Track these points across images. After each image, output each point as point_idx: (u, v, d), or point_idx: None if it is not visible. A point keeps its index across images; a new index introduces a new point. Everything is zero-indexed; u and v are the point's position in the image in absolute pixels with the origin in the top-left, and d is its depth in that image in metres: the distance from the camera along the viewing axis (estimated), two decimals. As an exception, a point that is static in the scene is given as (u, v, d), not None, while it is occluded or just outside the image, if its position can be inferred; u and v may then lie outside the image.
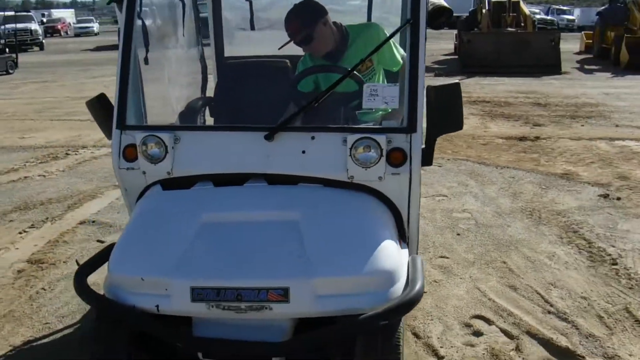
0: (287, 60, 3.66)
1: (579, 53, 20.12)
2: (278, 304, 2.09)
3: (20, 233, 4.69)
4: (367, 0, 3.91)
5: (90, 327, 2.36)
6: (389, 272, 2.16)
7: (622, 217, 4.76)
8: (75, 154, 7.28)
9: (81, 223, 4.86)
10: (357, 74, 2.82)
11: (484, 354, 2.93)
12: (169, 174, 2.57)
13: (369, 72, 3.07)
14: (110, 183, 5.93)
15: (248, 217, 2.37)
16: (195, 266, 2.19)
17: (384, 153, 2.38)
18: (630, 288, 3.58)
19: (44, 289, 3.73)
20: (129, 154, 2.59)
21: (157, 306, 2.15)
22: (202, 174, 2.58)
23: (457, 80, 2.53)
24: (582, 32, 21.64)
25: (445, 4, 2.71)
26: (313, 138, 2.47)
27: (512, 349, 2.97)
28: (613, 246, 4.20)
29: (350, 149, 2.39)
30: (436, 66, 16.92)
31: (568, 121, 8.91)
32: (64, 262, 4.12)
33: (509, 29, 16.64)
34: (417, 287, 2.12)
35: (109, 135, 2.82)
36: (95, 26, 43.12)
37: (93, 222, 4.88)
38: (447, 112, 2.45)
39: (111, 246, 2.48)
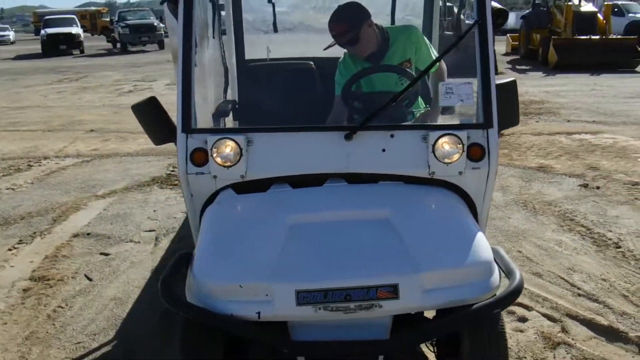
0: (312, 63, 3.65)
1: (507, 54, 21.06)
2: (388, 301, 2.07)
3: (10, 250, 4.38)
4: (391, 3, 3.96)
5: (179, 339, 2.24)
6: (488, 263, 2.20)
7: (608, 204, 5.06)
8: (39, 165, 6.87)
9: (75, 236, 4.60)
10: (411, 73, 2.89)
11: (535, 337, 3.04)
12: (243, 178, 2.50)
13: None
14: (90, 193, 5.66)
15: (337, 216, 2.34)
16: (297, 269, 2.13)
17: (465, 148, 2.44)
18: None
19: (61, 307, 3.51)
20: (197, 158, 2.48)
21: (259, 313, 2.07)
22: (278, 176, 2.53)
23: (513, 78, 2.64)
24: (508, 35, 22.65)
25: (500, 6, 2.80)
26: (392, 136, 2.48)
27: (559, 331, 3.09)
28: (610, 231, 4.45)
29: (433, 145, 2.43)
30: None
31: (522, 118, 9.30)
32: (71, 277, 3.89)
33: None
34: (518, 275, 2.18)
35: (157, 140, 2.71)
36: (11, 34, 40.83)
37: (88, 234, 4.63)
38: (506, 109, 2.55)
39: (186, 255, 2.39)
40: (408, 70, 2.96)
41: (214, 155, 2.45)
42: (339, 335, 2.16)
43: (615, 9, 20.65)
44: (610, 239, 4.29)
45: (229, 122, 3.62)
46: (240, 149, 2.44)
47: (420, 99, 3.14)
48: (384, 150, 2.48)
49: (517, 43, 20.68)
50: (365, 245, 2.21)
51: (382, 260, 2.15)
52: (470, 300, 2.11)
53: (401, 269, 2.11)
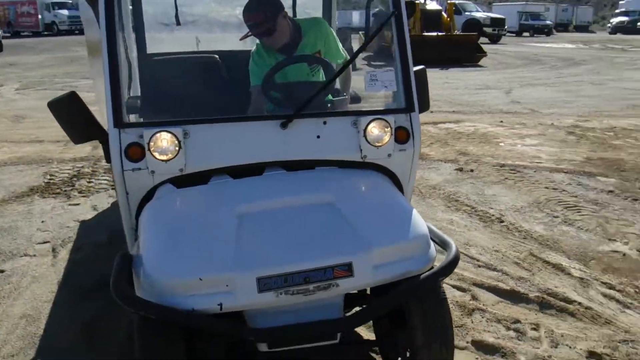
0: (216, 55, 3.65)
1: None
2: (344, 280, 2.19)
3: None
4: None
5: (139, 341, 2.16)
6: (426, 236, 2.41)
7: (484, 185, 5.63)
8: None
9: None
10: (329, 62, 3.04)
11: (452, 307, 3.35)
12: (182, 171, 2.47)
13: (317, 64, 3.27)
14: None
15: (284, 203, 2.40)
16: (254, 256, 2.17)
17: (392, 132, 2.64)
18: (524, 238, 4.34)
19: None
20: (132, 153, 2.41)
21: (221, 304, 2.09)
22: (217, 167, 2.53)
23: (422, 66, 2.90)
24: (360, 32, 23.67)
25: None
26: (325, 123, 2.60)
27: (470, 299, 3.44)
28: (492, 208, 4.98)
29: (364, 130, 2.60)
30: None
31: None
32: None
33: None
34: (454, 246, 2.42)
35: (78, 138, 2.59)
36: None
37: (-29, 252, 4.21)
38: (419, 95, 2.79)
39: (127, 255, 2.32)
40: (328, 61, 3.10)
41: (152, 149, 2.41)
42: (297, 319, 2.24)
43: (454, 8, 22.60)
44: (493, 215, 4.81)
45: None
46: (179, 142, 2.42)
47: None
48: (318, 136, 2.59)
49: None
50: (315, 229, 2.31)
51: (334, 241, 2.26)
52: (415, 272, 2.31)
53: (353, 248, 2.23)
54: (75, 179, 5.95)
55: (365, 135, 2.61)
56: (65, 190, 5.58)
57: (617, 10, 48.55)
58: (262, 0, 3.06)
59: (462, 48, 16.90)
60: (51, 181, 5.88)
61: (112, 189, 5.59)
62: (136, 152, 2.41)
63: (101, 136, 2.54)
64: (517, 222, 4.64)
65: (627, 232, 4.47)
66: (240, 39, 3.18)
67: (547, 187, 5.55)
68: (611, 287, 3.62)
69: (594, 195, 5.34)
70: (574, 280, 3.70)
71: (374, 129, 2.62)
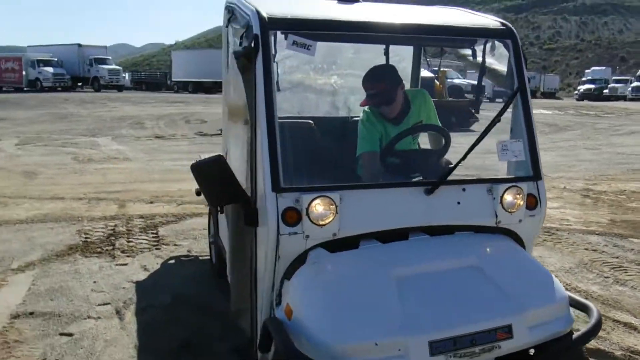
0: (312, 122, 3.75)
1: None
2: (505, 342, 2.25)
3: (-63, 342, 3.68)
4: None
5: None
6: (566, 298, 2.48)
7: (525, 246, 5.73)
8: None
9: (15, 317, 4.00)
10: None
11: None
12: (335, 235, 2.50)
13: None
14: (4, 267, 4.95)
15: (435, 267, 2.46)
16: (423, 320, 2.20)
17: (525, 199, 2.72)
18: (586, 298, 4.40)
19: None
20: (289, 217, 2.44)
21: None
22: (366, 232, 2.56)
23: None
24: None
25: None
26: (464, 190, 2.68)
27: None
28: (542, 269, 5.05)
29: (501, 197, 2.68)
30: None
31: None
32: (42, 364, 3.40)
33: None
34: (596, 310, 2.49)
35: (218, 202, 2.60)
36: None
37: (31, 314, 4.05)
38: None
39: (277, 320, 2.32)
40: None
41: (309, 214, 2.43)
42: None
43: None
44: (546, 276, 4.87)
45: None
46: (335, 207, 2.45)
47: None
48: (459, 202, 2.67)
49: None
50: (470, 292, 2.37)
51: (492, 304, 2.32)
52: (562, 332, 2.37)
53: (511, 310, 2.30)
54: (113, 237, 5.85)
55: (501, 202, 2.69)
56: (107, 250, 5.47)
57: (583, 79, 50.91)
58: (386, 71, 3.21)
59: (456, 113, 17.41)
60: (88, 240, 5.76)
61: (156, 248, 5.52)
62: (292, 217, 2.44)
63: (243, 199, 2.56)
64: (572, 283, 4.71)
65: (680, 294, 4.57)
66: (361, 105, 3.28)
67: (586, 249, 5.67)
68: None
69: (634, 257, 5.47)
70: (650, 340, 3.76)
71: (509, 196, 2.71)
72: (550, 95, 55.18)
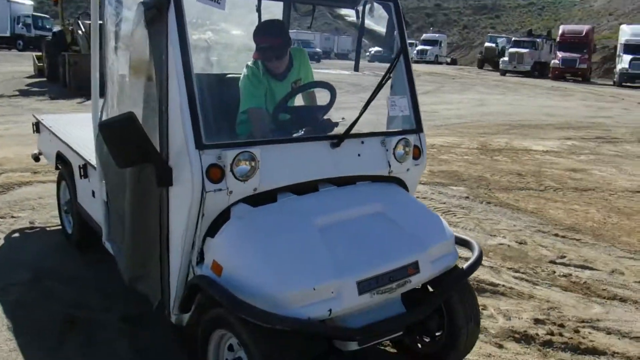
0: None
1: (32, 77, 18.12)
2: (414, 276, 2.58)
3: None
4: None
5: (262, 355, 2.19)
6: (454, 236, 2.89)
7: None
8: None
9: None
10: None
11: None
12: (255, 190, 2.55)
13: None
14: None
15: (348, 215, 2.67)
16: (350, 264, 2.42)
17: (411, 150, 3.04)
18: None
19: None
20: (213, 174, 2.43)
21: (330, 310, 2.30)
22: (282, 186, 2.65)
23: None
24: (33, 55, 20.14)
25: None
26: (363, 142, 2.90)
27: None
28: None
29: (394, 148, 2.95)
30: (34, 89, 15.51)
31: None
32: None
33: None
34: (477, 245, 2.93)
35: (127, 162, 2.47)
36: None
37: None
38: None
39: (206, 277, 2.39)
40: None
41: (234, 170, 2.45)
42: (376, 317, 2.53)
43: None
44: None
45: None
46: (257, 162, 2.50)
47: None
48: (359, 155, 2.89)
49: (42, 64, 18.43)
50: (381, 235, 2.65)
51: (401, 244, 2.63)
52: (452, 265, 2.77)
53: (417, 249, 2.64)
54: None
55: (393, 153, 2.97)
56: None
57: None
58: (282, 28, 3.25)
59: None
60: None
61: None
62: (216, 173, 2.43)
63: (156, 158, 2.47)
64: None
65: (500, 229, 5.46)
66: (254, 57, 3.25)
67: (418, 197, 6.39)
68: (516, 271, 4.47)
69: (457, 202, 6.33)
70: (486, 269, 4.46)
71: (399, 148, 2.99)
72: (343, 56, 58.69)
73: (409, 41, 3.40)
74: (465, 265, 2.78)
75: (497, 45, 40.26)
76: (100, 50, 3.33)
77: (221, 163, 2.44)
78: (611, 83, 30.54)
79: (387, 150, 2.98)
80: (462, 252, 3.09)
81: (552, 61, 33.41)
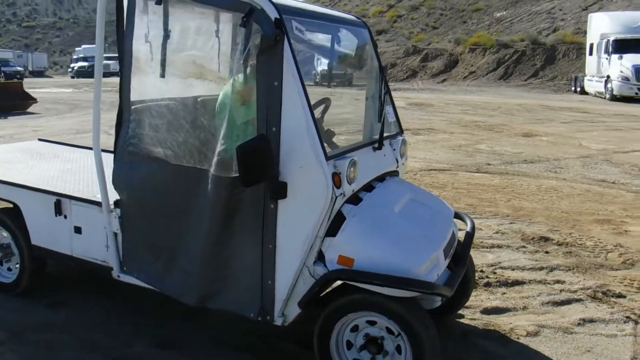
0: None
1: None
2: (456, 242, 3.47)
3: None
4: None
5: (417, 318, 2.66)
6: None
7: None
8: None
9: None
10: None
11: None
12: (353, 191, 3.04)
13: None
14: None
15: (404, 202, 3.34)
16: (433, 237, 3.17)
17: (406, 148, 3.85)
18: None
19: None
20: (336, 181, 2.83)
21: (438, 274, 2.97)
22: (364, 185, 3.19)
23: None
24: None
25: None
26: (383, 145, 3.53)
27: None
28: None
29: (400, 148, 3.69)
30: None
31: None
32: None
33: None
34: (470, 218, 3.85)
35: (253, 181, 2.72)
36: None
37: None
38: None
39: (341, 270, 2.83)
40: None
41: (347, 175, 2.89)
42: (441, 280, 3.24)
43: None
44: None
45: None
46: (357, 167, 2.98)
47: None
48: (385, 155, 3.56)
49: None
50: (427, 213, 3.40)
51: (442, 219, 3.45)
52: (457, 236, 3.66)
53: (451, 222, 3.49)
54: None
55: (400, 152, 3.69)
56: None
57: (75, 56, 51.63)
58: None
59: (10, 96, 15.78)
60: None
61: None
62: (338, 180, 2.84)
63: (275, 176, 2.78)
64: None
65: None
66: None
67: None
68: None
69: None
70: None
71: (403, 147, 3.74)
72: (39, 73, 53.76)
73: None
74: (468, 229, 3.67)
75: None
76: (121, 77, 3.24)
77: (338, 171, 2.86)
78: None
79: (394, 149, 3.69)
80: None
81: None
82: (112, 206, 3.42)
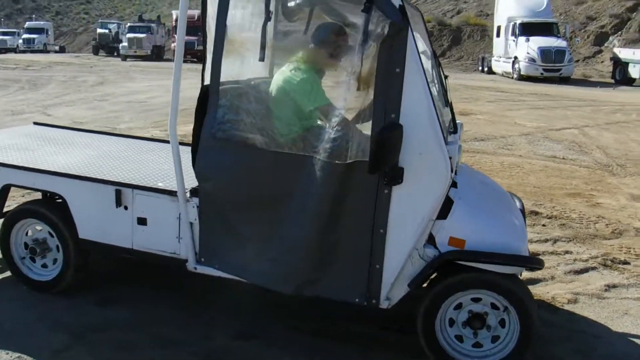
0: None
1: None
2: None
3: None
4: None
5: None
6: None
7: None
8: None
9: None
10: None
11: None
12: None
13: None
14: None
15: (480, 183, 3.53)
16: (516, 212, 3.43)
17: None
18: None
19: None
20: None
21: (527, 250, 3.19)
22: None
23: None
24: None
25: None
26: None
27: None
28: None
29: (460, 132, 3.84)
30: None
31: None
32: None
33: None
34: (519, 198, 4.09)
35: (388, 163, 2.76)
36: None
37: None
38: None
39: (457, 250, 2.95)
40: None
41: (452, 160, 2.99)
42: None
43: None
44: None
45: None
46: (461, 153, 3.20)
47: None
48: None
49: None
50: (498, 194, 3.63)
51: (510, 197, 3.70)
52: None
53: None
54: None
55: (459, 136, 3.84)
56: None
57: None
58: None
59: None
60: None
61: None
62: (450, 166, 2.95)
63: (396, 161, 2.83)
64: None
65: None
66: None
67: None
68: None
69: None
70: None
71: (461, 131, 3.86)
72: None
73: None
74: (520, 208, 3.88)
75: (110, 31, 39.61)
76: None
77: (450, 155, 2.93)
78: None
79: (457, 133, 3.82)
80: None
81: (173, 44, 35.05)
82: (189, 195, 3.27)
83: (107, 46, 39.37)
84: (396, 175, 2.84)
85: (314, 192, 2.95)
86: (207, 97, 3.14)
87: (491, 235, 2.96)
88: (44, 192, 3.87)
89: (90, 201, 3.51)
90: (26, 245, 3.83)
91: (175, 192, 3.28)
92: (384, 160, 2.70)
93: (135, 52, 34.94)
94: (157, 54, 36.01)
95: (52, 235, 3.72)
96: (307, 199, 2.98)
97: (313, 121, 3.15)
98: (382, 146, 2.65)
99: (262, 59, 3.10)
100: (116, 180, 3.46)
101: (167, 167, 3.84)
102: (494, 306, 3.06)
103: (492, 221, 3.07)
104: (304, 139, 3.04)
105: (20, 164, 3.71)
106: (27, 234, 3.84)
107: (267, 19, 3.00)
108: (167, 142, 4.79)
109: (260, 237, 3.14)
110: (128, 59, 34.23)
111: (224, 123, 3.13)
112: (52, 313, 3.56)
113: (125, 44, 35.24)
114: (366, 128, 2.93)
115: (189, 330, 3.45)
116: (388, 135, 2.65)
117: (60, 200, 3.68)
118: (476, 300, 3.08)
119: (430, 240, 3.01)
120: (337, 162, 2.88)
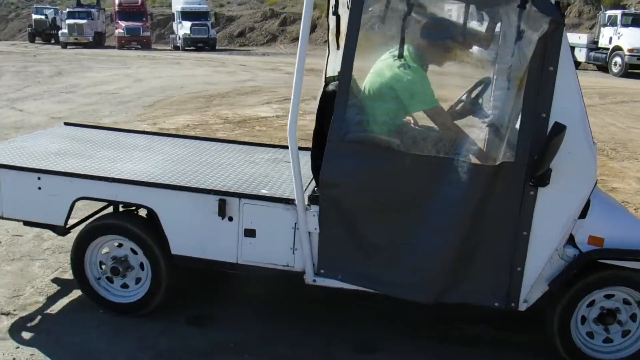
0: None
1: None
2: None
3: None
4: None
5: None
6: None
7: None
8: None
9: None
10: None
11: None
12: None
13: None
14: None
15: None
16: None
17: None
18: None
19: None
20: None
21: None
22: None
23: None
24: None
25: None
26: None
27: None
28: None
29: None
30: None
31: None
32: None
33: None
34: None
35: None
36: None
37: None
38: None
39: (602, 250, 2.92)
40: None
41: None
42: None
43: None
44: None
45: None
46: None
47: None
48: None
49: None
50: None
51: None
52: None
53: None
54: None
55: None
56: None
57: None
58: None
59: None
60: None
61: None
62: None
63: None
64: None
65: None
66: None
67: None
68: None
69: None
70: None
71: None
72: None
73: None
74: None
75: (47, 17, 37.47)
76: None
77: None
78: (170, 48, 32.79)
79: None
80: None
81: (117, 30, 33.61)
82: (307, 203, 3.07)
83: (44, 33, 37.26)
84: (545, 177, 2.76)
85: (456, 195, 2.85)
86: (330, 97, 2.94)
87: (627, 232, 2.99)
88: (116, 205, 3.55)
89: (186, 213, 3.23)
90: (101, 263, 3.50)
91: (291, 200, 3.07)
92: (547, 164, 2.62)
93: (77, 39, 33.19)
94: (99, 41, 34.37)
95: (134, 253, 3.42)
96: (448, 202, 2.87)
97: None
98: (549, 149, 2.58)
99: (401, 56, 2.92)
100: (220, 190, 3.19)
101: (259, 171, 3.62)
102: (625, 301, 3.09)
103: (628, 218, 3.09)
104: (438, 141, 2.91)
105: (95, 174, 3.34)
106: (102, 252, 3.51)
107: (408, 12, 2.81)
108: (229, 141, 4.59)
109: (393, 244, 3.00)
110: (68, 47, 32.51)
111: (354, 124, 2.94)
112: (149, 339, 3.27)
113: (65, 30, 33.36)
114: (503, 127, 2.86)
115: (305, 347, 3.26)
116: (556, 139, 2.56)
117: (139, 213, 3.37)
118: (608, 296, 3.07)
119: (569, 240, 2.97)
120: (483, 164, 2.78)
